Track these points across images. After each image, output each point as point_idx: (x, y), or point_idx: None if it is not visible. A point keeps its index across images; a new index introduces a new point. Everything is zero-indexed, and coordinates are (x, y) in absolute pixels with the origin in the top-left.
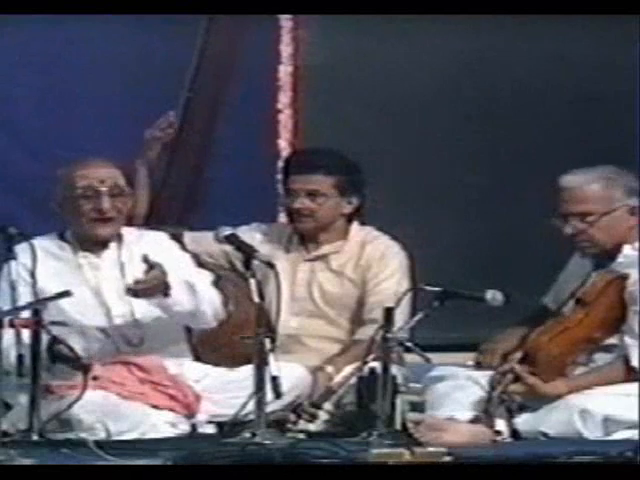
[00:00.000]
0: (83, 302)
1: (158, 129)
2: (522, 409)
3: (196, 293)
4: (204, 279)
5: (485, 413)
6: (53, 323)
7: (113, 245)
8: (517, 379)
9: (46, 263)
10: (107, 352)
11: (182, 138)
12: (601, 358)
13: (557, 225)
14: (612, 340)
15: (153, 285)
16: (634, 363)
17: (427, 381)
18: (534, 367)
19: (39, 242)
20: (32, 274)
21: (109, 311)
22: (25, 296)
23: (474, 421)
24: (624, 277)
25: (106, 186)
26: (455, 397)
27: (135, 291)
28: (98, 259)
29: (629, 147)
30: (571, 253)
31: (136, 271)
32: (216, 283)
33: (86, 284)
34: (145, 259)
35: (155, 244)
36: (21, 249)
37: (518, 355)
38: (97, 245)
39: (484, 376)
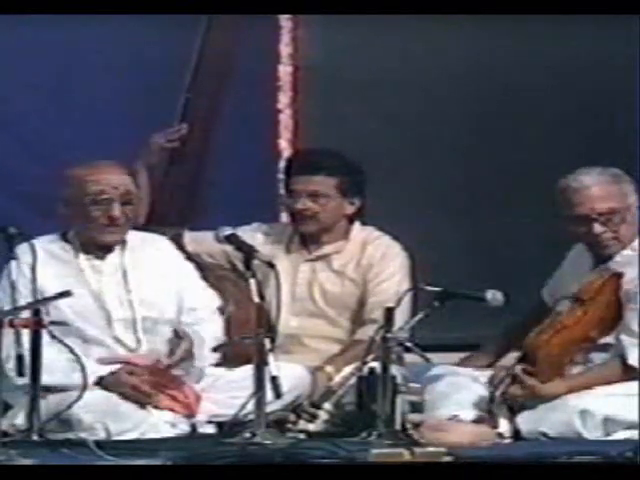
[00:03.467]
0: (83, 305)
1: (166, 138)
2: (523, 409)
3: (197, 324)
4: (209, 302)
5: (488, 413)
6: (53, 323)
7: (117, 249)
8: (515, 380)
9: (47, 264)
10: (106, 354)
11: (182, 139)
12: (598, 357)
13: (568, 228)
14: (608, 339)
15: (180, 359)
16: (631, 361)
17: (425, 381)
18: (534, 366)
19: (41, 242)
20: (32, 274)
21: (109, 315)
22: (25, 296)
23: (478, 421)
24: (619, 275)
25: (118, 193)
26: (456, 397)
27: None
28: (101, 262)
29: (629, 147)
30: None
31: (139, 277)
32: (220, 298)
33: (87, 287)
34: (175, 331)
35: (159, 252)
36: (22, 249)
37: (517, 355)
38: (102, 249)
39: (484, 375)
